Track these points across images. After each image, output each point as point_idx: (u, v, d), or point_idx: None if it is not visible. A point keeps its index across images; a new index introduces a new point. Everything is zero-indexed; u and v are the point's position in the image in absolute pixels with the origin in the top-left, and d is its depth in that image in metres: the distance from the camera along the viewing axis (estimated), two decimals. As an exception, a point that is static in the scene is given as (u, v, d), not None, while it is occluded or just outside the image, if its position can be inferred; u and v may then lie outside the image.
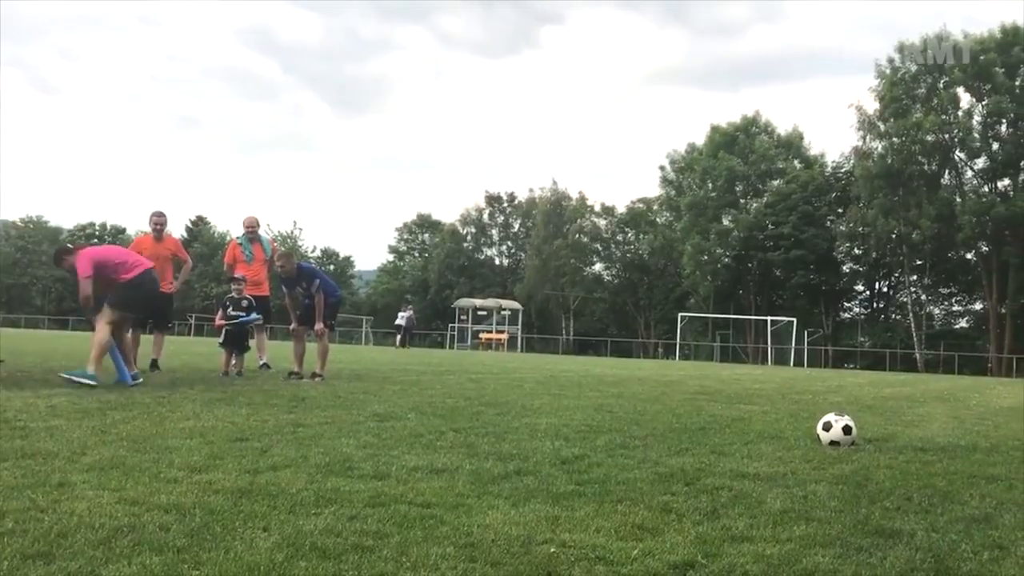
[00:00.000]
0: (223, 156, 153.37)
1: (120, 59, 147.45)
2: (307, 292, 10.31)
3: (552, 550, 2.83)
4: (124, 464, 4.01)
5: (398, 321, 43.25)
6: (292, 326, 10.68)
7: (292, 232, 71.45)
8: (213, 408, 6.50)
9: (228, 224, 79.18)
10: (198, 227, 75.74)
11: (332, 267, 72.06)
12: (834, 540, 3.12)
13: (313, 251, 73.97)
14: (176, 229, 73.44)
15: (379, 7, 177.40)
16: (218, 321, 10.84)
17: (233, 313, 10.78)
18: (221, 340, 10.79)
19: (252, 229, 12.12)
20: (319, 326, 10.22)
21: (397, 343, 41.99)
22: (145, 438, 4.82)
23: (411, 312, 45.55)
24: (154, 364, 10.86)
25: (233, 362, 10.65)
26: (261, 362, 11.79)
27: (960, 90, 45.45)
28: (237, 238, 12.51)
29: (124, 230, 76.04)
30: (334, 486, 3.69)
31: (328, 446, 4.77)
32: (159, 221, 11.32)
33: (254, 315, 11.02)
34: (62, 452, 4.26)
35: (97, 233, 78.26)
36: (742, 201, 57.17)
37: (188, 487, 3.57)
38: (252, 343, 11.55)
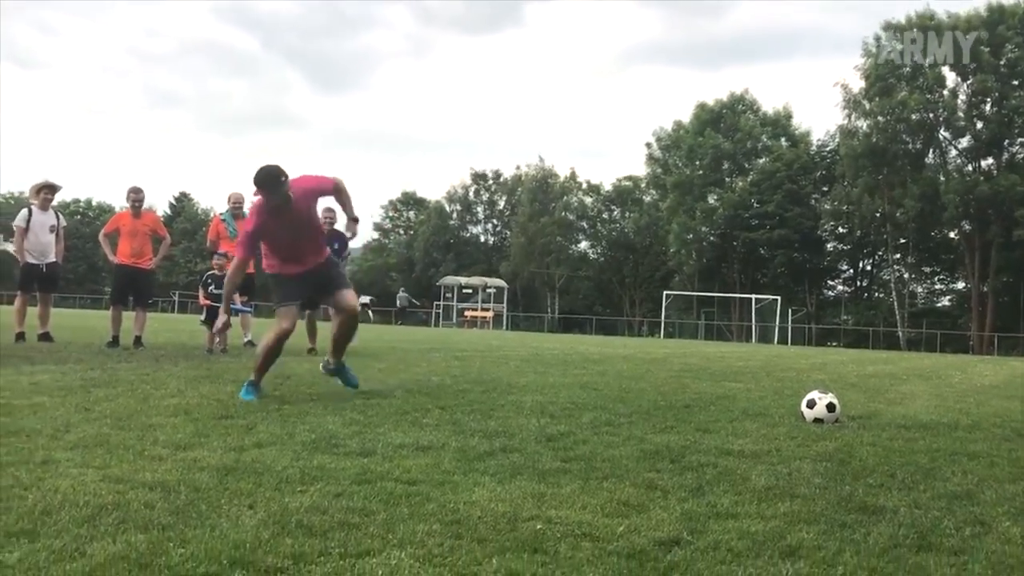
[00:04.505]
0: (205, 132, 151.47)
1: (99, 34, 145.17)
2: (337, 254, 9.80)
3: (538, 527, 2.84)
4: (108, 442, 3.99)
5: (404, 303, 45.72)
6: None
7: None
8: (198, 385, 6.47)
9: (211, 200, 78.60)
10: (181, 203, 75.25)
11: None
12: (818, 517, 3.14)
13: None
14: (160, 205, 73.01)
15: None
16: (202, 300, 10.74)
17: (215, 292, 10.71)
18: (203, 317, 10.70)
19: (239, 205, 12.03)
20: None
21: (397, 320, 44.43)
22: (129, 416, 4.80)
23: (402, 292, 47.27)
24: (137, 341, 10.81)
25: (217, 339, 10.58)
26: (246, 339, 11.75)
27: (946, 69, 45.58)
28: (220, 214, 12.43)
29: (112, 207, 75.31)
30: (320, 463, 3.68)
31: (314, 423, 4.76)
32: (137, 197, 11.27)
33: (244, 306, 10.97)
34: (45, 430, 4.23)
35: (82, 210, 77.47)
36: (727, 180, 57.23)
37: (173, 465, 3.55)
38: (236, 320, 11.49)
